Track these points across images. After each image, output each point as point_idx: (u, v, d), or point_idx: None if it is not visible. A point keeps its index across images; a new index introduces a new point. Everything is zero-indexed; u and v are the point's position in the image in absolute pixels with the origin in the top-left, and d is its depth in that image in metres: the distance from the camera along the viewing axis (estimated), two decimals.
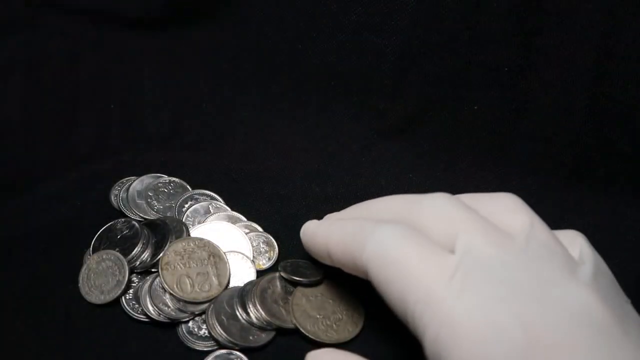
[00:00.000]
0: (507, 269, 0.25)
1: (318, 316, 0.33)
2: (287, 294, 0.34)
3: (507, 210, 0.27)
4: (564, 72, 0.40)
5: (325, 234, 0.31)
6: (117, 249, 0.35)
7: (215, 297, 0.33)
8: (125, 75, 0.47)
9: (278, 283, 0.34)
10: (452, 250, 0.26)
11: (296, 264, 0.36)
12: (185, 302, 0.33)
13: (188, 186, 0.41)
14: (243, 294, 0.33)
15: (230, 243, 0.37)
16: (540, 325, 0.23)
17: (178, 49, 0.46)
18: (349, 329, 0.33)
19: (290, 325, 0.33)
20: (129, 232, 0.36)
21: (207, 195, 0.40)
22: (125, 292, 0.34)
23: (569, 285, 0.24)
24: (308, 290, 0.34)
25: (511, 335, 0.23)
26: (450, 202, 0.28)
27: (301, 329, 0.32)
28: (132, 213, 0.39)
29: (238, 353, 0.32)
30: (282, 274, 0.34)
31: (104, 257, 0.35)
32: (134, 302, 0.34)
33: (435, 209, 0.28)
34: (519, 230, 0.26)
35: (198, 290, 0.33)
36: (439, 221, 0.27)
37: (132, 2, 0.46)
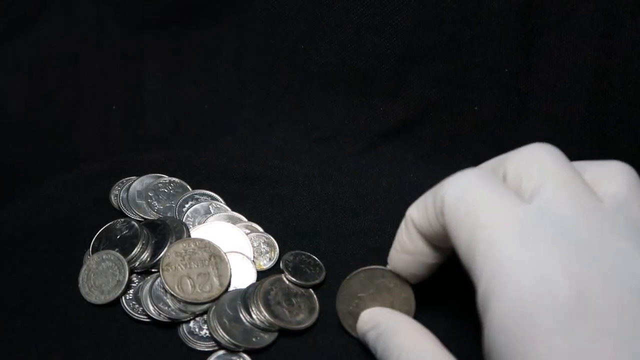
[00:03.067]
0: (579, 231, 0.24)
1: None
2: (290, 295, 0.34)
3: (610, 176, 0.27)
4: (564, 72, 0.41)
5: (408, 212, 0.30)
6: (116, 249, 0.35)
7: (217, 298, 0.33)
8: (126, 75, 0.46)
9: (281, 285, 0.34)
10: (532, 200, 0.25)
11: (298, 260, 0.36)
12: (187, 302, 0.33)
13: (188, 186, 0.41)
14: (246, 297, 0.33)
15: (231, 243, 0.37)
16: (593, 289, 0.22)
17: (179, 49, 0.46)
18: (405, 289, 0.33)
19: (294, 327, 0.33)
20: (128, 232, 0.36)
21: (207, 195, 0.40)
22: (125, 292, 0.34)
23: (636, 258, 0.23)
24: (343, 307, 0.33)
25: (560, 294, 0.22)
26: (550, 154, 0.27)
27: None
28: (132, 213, 0.39)
29: (240, 353, 0.32)
30: (285, 276, 0.35)
31: (103, 257, 0.35)
32: (134, 302, 0.34)
33: (531, 157, 0.27)
34: (611, 197, 0.25)
35: (199, 291, 0.33)
36: (531, 168, 0.26)
37: (134, 2, 0.46)
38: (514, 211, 0.25)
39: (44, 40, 0.46)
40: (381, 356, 0.30)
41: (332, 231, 0.39)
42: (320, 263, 0.36)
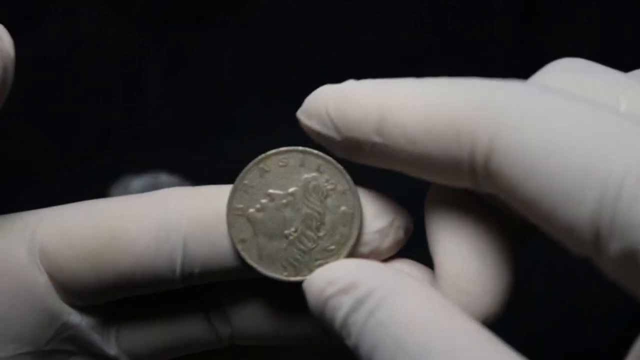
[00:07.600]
0: None
1: None
2: None
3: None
4: None
5: (383, 94, 0.18)
6: None
7: None
8: (126, 74, 0.46)
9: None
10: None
11: None
12: None
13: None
14: None
15: None
16: None
17: (180, 48, 0.46)
18: None
19: None
20: None
21: None
22: None
23: None
24: (237, 213, 0.22)
25: None
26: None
27: None
28: None
29: None
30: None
31: None
32: None
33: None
34: None
35: None
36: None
37: (134, 2, 0.46)
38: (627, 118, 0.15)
39: (44, 40, 0.46)
40: (359, 340, 0.17)
41: None
42: None
